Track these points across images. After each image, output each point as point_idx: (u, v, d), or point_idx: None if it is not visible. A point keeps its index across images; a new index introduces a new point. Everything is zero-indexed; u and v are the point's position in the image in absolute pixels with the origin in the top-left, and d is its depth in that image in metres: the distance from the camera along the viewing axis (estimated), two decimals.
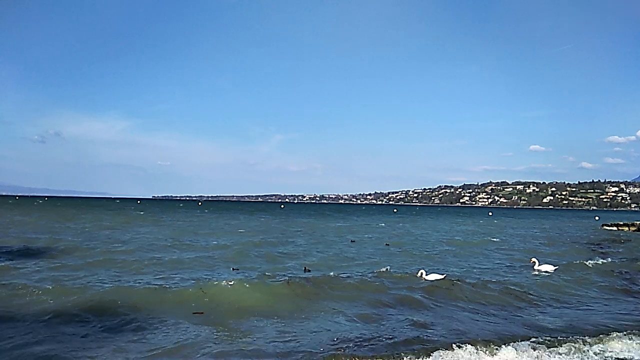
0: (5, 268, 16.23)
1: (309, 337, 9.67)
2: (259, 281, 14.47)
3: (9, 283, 13.28)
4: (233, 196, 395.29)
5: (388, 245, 29.51)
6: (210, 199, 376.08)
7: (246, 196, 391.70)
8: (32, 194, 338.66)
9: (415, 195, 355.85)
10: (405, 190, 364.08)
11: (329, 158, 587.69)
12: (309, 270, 17.96)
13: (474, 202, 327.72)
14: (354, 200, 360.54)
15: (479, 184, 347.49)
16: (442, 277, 16.68)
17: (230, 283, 13.49)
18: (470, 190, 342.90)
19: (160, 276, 15.81)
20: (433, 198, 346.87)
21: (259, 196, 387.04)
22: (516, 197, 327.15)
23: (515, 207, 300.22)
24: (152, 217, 58.59)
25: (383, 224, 55.20)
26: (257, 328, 10.26)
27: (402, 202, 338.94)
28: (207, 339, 9.33)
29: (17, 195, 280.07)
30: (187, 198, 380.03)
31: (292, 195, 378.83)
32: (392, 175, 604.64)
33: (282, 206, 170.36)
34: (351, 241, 31.14)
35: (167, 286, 13.55)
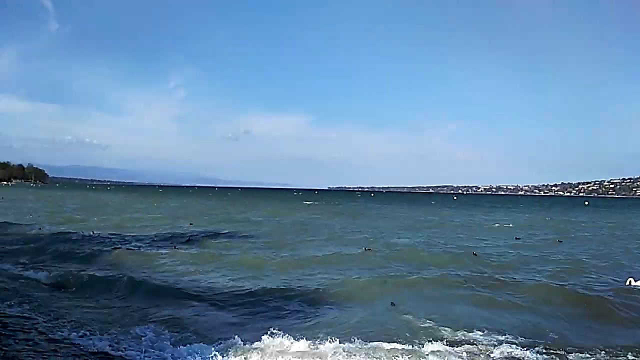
0: None
1: None
2: None
3: None
4: (404, 187, 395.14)
5: None
6: (382, 190, 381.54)
7: (417, 187, 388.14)
8: (226, 186, 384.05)
9: (612, 186, 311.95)
10: (599, 180, 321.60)
11: (506, 145, 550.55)
12: None
13: None
14: (536, 191, 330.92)
15: None
16: None
17: None
18: None
19: None
20: (635, 189, 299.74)
21: (430, 187, 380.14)
22: None
23: None
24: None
25: None
26: None
27: (595, 195, 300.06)
28: None
29: (215, 187, 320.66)
30: (360, 189, 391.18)
31: (464, 186, 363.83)
32: (582, 163, 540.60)
33: (455, 197, 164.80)
34: None
35: None
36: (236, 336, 9.06)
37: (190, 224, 33.66)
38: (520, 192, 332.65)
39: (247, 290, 13.23)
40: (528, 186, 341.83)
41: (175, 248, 21.03)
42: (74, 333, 8.59)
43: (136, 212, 46.49)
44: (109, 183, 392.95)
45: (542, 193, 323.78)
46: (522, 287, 14.16)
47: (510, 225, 40.19)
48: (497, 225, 40.03)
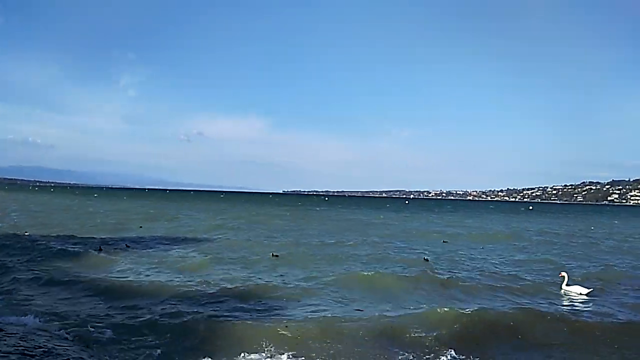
0: None
1: None
2: None
3: None
4: (358, 192, 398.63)
5: None
6: (335, 194, 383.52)
7: (370, 192, 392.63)
8: (180, 188, 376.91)
9: (554, 192, 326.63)
10: (543, 186, 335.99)
11: (454, 152, 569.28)
12: None
13: (624, 201, 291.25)
14: (484, 196, 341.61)
15: (631, 179, 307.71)
16: (586, 291, 14.85)
17: None
18: (620, 187, 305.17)
19: None
20: (575, 195, 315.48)
21: (383, 192, 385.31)
22: None
23: None
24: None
25: None
26: None
27: (539, 200, 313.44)
28: None
29: (167, 189, 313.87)
30: (315, 193, 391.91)
31: (416, 191, 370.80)
32: (527, 170, 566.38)
33: (407, 202, 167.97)
34: None
35: None
36: None
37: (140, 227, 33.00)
38: (469, 197, 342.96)
39: None
40: (476, 191, 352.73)
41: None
42: None
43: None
44: (53, 185, 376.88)
45: (489, 198, 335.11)
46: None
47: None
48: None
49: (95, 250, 20.43)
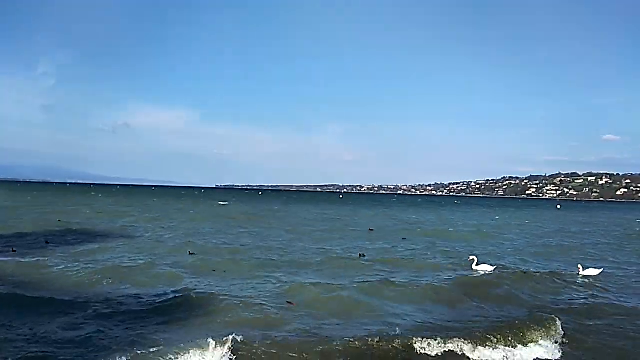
0: None
1: None
2: None
3: None
4: (292, 186, 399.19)
5: None
6: (270, 188, 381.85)
7: (305, 186, 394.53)
8: (106, 183, 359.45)
9: (478, 186, 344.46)
10: (467, 181, 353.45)
11: (385, 148, 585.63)
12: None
13: (540, 195, 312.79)
14: (413, 191, 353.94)
15: (547, 175, 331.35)
16: (492, 268, 17.62)
17: None
18: (537, 182, 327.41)
19: None
20: (496, 189, 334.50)
21: (318, 186, 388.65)
22: (587, 189, 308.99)
23: (585, 199, 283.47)
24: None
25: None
26: None
27: (464, 194, 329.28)
28: None
29: (91, 184, 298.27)
30: (249, 187, 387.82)
31: (350, 186, 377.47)
32: (452, 165, 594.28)
33: (341, 196, 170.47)
34: None
35: None
36: None
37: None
38: (399, 192, 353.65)
39: None
40: (406, 186, 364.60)
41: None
42: None
43: None
44: None
45: (418, 192, 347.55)
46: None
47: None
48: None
49: (8, 250, 18.84)
